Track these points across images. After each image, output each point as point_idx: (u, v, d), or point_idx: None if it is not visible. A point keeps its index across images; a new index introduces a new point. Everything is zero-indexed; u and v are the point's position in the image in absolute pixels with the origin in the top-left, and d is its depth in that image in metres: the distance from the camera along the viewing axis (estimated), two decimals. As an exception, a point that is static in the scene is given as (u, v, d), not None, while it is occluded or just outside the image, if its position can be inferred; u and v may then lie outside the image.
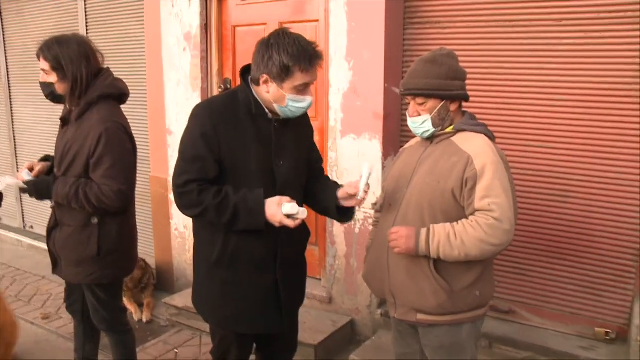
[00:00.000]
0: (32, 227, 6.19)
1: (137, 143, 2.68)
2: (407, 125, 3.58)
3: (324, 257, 3.90)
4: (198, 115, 2.12)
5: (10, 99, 6.13)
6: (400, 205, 2.18)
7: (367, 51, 3.40)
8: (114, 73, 2.67)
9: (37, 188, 2.59)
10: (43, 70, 2.56)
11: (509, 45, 3.17)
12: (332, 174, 3.63)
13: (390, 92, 3.45)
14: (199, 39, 4.09)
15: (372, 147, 3.48)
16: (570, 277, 3.20)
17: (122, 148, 2.54)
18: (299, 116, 2.19)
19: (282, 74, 2.01)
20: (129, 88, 2.74)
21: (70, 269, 2.67)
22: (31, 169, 2.66)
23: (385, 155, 3.48)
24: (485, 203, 1.99)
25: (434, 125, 2.15)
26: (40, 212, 5.92)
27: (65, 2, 5.26)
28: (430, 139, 2.21)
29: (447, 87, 2.10)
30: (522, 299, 3.38)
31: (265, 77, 2.04)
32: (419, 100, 2.13)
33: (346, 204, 2.22)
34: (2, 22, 5.95)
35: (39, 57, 2.56)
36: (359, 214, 3.59)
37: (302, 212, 2.05)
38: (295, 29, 2.22)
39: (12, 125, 6.19)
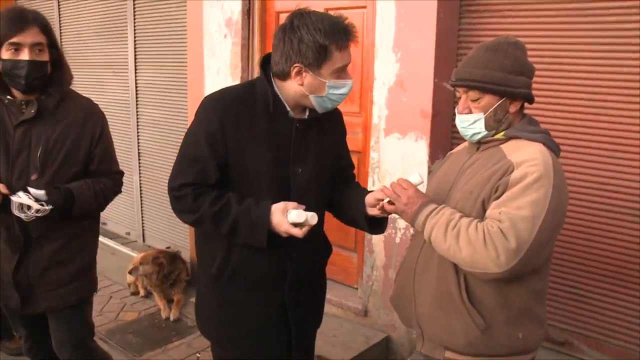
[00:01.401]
0: (105, 223, 5.63)
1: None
2: (458, 126, 3.27)
3: (361, 266, 3.59)
4: (205, 108, 1.84)
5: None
6: None
7: (416, 42, 3.04)
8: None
9: (66, 202, 2.08)
10: (35, 45, 2.01)
11: (582, 38, 2.72)
12: (374, 176, 3.31)
13: (441, 88, 3.08)
14: (240, 25, 3.84)
15: (417, 148, 3.13)
16: (642, 309, 2.75)
17: None
18: (327, 115, 1.90)
19: (319, 57, 1.71)
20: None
21: (61, 291, 2.24)
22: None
23: (432, 158, 3.12)
24: (497, 211, 1.61)
25: (487, 127, 1.76)
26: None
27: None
28: (478, 144, 1.84)
29: (509, 83, 1.70)
30: (582, 330, 2.93)
31: (298, 66, 1.73)
32: (473, 94, 1.74)
33: (372, 212, 1.89)
34: (59, 10, 5.96)
35: (25, 27, 1.98)
36: (400, 222, 3.25)
37: (312, 218, 1.76)
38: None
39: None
